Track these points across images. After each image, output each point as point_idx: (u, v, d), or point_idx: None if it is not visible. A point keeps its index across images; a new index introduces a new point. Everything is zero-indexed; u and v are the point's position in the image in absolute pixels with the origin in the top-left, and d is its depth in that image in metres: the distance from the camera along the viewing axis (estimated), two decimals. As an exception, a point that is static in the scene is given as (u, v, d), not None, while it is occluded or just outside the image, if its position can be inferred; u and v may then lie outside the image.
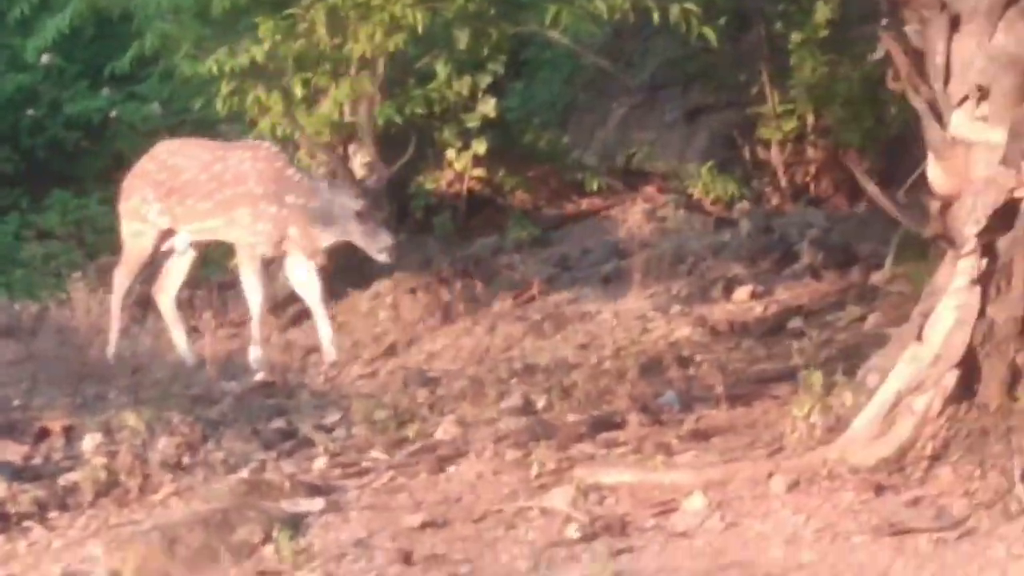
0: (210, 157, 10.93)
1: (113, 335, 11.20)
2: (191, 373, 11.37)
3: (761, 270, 11.82)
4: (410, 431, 9.38)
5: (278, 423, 9.93)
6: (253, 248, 10.78)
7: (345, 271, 11.58)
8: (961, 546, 7.40)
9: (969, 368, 7.80)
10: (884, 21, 8.34)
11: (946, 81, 7.98)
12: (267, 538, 8.03)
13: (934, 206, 8.06)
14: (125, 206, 11.21)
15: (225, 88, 11.80)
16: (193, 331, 12.13)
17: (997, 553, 7.23)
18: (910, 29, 8.23)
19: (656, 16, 11.35)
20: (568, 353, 10.78)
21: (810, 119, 12.42)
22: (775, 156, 12.93)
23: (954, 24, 7.93)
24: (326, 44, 11.34)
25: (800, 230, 12.24)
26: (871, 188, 8.65)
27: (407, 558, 7.74)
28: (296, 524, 8.19)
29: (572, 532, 7.87)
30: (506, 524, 8.16)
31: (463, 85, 11.86)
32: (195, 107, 13.14)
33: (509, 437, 9.11)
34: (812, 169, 12.88)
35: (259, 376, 10.76)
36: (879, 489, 7.86)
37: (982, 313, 7.78)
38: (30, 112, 14.52)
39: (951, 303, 7.83)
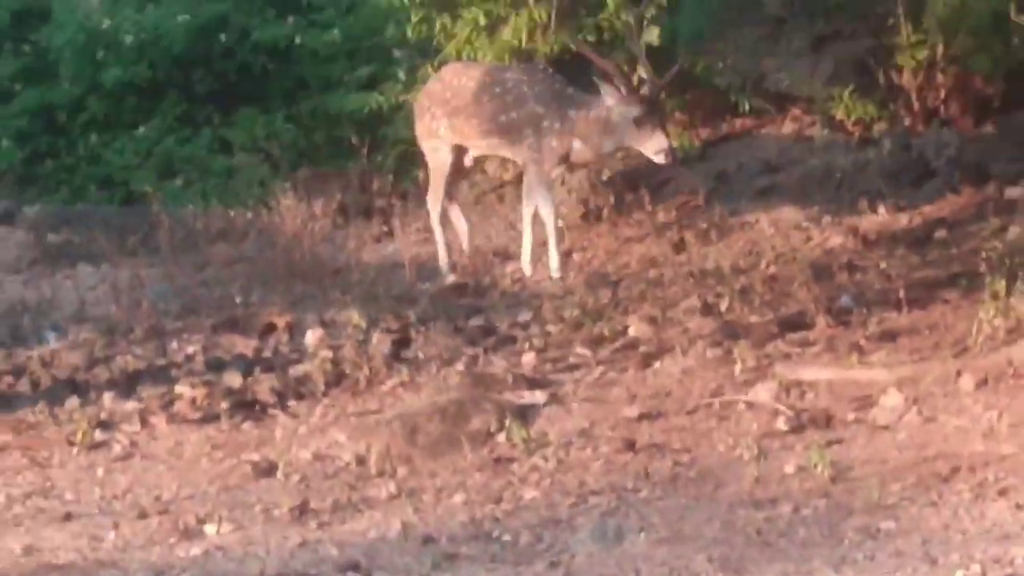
0: (489, 80, 10.97)
1: (441, 252, 11.21)
2: (389, 275, 11.42)
3: (902, 186, 11.79)
4: (604, 329, 9.47)
5: (477, 321, 10.06)
6: (541, 164, 10.81)
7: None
8: None
9: None
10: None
11: None
12: (500, 427, 8.32)
13: None
14: (419, 126, 11.25)
15: (415, 16, 12.02)
16: (387, 235, 12.32)
17: None
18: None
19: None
20: (736, 259, 10.82)
21: (940, 48, 12.47)
22: (908, 81, 12.86)
23: None
24: (507, -23, 11.70)
25: (936, 149, 12.07)
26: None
27: (631, 446, 7.92)
28: (524, 414, 8.43)
29: (781, 424, 8.04)
30: (717, 416, 8.37)
31: (630, 15, 11.94)
32: (384, 33, 13.21)
33: (704, 336, 9.19)
34: (942, 93, 12.77)
35: (451, 278, 10.91)
36: None
37: None
38: (222, 38, 14.52)
39: None
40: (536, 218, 11.07)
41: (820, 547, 6.98)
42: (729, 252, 11.15)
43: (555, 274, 10.89)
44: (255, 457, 8.54)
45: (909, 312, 9.63)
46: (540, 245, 11.03)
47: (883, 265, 10.39)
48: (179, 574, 7.19)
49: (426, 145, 11.21)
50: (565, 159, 10.96)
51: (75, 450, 8.87)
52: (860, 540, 7.02)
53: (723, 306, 9.89)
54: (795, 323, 9.63)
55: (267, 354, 10.14)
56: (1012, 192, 10.92)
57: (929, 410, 8.06)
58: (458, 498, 7.81)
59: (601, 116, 10.76)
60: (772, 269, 10.68)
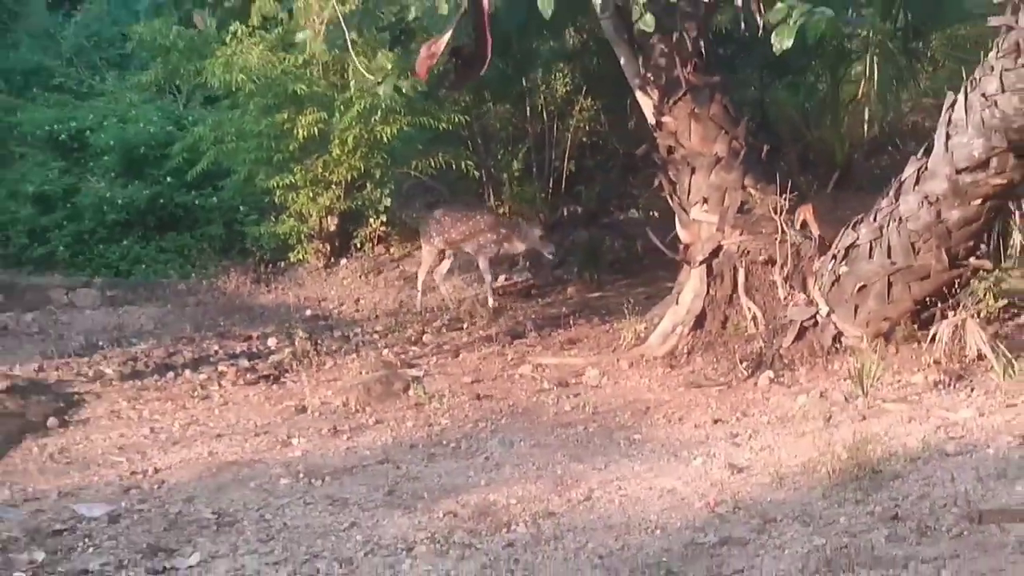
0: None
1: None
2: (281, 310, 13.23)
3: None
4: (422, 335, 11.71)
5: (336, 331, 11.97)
6: (486, 256, 12.46)
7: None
8: (729, 392, 9.57)
9: (701, 316, 10.38)
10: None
11: (688, 194, 10.45)
12: (406, 388, 10.24)
13: (682, 247, 10.53)
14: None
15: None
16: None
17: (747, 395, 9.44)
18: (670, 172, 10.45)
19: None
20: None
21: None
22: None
23: (692, 170, 10.43)
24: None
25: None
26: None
27: (478, 397, 10.02)
28: (416, 380, 10.35)
29: (546, 385, 10.15)
30: (510, 381, 10.38)
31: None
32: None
33: (484, 340, 11.43)
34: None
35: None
36: (671, 368, 10.27)
37: (708, 293, 10.35)
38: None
39: (690, 287, 10.45)
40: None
41: (608, 448, 8.68)
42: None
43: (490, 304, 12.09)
44: (292, 403, 10.07)
45: (577, 328, 11.72)
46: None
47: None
48: (296, 465, 8.57)
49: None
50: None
51: (195, 400, 10.35)
52: (628, 444, 8.75)
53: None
54: (519, 334, 11.73)
55: (254, 350, 11.75)
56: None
57: (614, 378, 10.16)
58: (408, 424, 9.47)
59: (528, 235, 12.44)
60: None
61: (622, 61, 10.64)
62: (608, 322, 11.66)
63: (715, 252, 10.35)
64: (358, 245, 13.55)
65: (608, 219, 13.43)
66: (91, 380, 10.68)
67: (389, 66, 8.50)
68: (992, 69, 8.67)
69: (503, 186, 13.26)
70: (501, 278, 12.84)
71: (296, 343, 11.45)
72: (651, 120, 10.59)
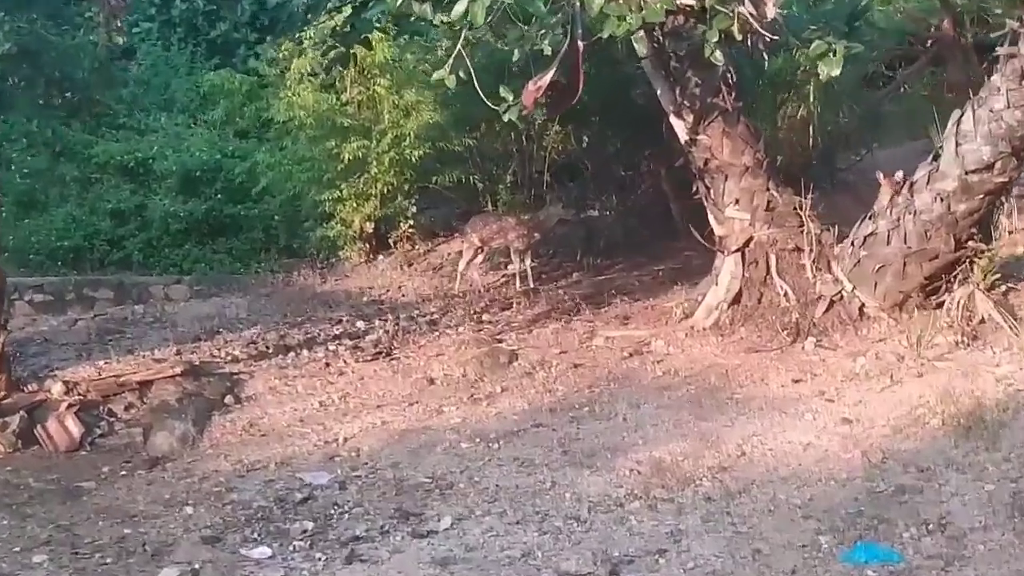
0: None
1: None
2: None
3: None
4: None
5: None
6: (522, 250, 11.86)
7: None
8: (784, 355, 8.91)
9: (739, 294, 9.97)
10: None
11: (722, 197, 10.19)
12: (510, 360, 9.55)
13: (718, 239, 10.13)
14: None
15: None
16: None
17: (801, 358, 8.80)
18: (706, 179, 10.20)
19: None
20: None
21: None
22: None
23: (726, 177, 10.18)
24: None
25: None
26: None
27: (576, 366, 9.31)
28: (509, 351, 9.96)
29: (625, 353, 9.29)
30: (591, 351, 9.54)
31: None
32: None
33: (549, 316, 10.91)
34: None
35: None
36: (721, 337, 9.50)
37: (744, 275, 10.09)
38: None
39: (727, 271, 10.17)
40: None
41: (721, 407, 8.04)
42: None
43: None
44: (418, 376, 9.35)
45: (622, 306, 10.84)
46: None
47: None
48: (464, 430, 8.07)
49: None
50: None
51: (335, 375, 9.46)
52: (733, 404, 8.17)
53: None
54: (570, 310, 10.77)
55: (350, 331, 10.78)
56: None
57: (678, 347, 9.46)
58: (531, 392, 8.69)
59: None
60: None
61: (658, 91, 10.41)
62: (639, 300, 11.08)
63: (747, 242, 10.22)
64: (392, 244, 13.66)
65: (584, 215, 13.18)
66: (233, 361, 10.00)
67: (511, 97, 8.19)
68: (998, 89, 8.87)
69: (498, 195, 13.52)
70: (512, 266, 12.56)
71: (388, 325, 10.98)
72: (683, 138, 10.40)
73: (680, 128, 10.32)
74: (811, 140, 12.63)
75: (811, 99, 12.24)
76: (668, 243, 12.19)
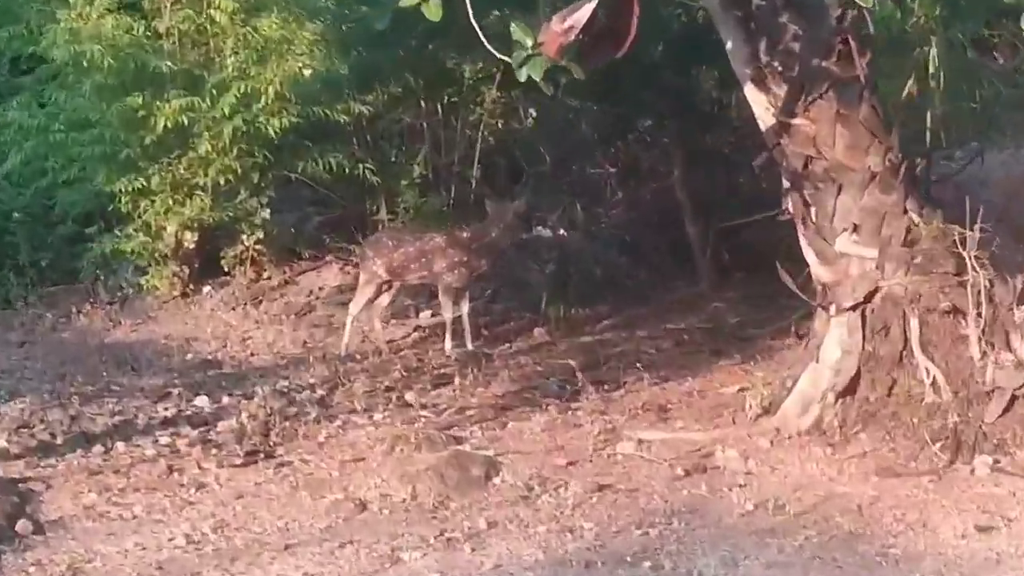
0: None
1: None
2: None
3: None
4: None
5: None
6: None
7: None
8: (943, 484, 6.27)
9: (855, 378, 6.93)
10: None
11: (831, 220, 7.04)
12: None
13: (819, 288, 7.15)
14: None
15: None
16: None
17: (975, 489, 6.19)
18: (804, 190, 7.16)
19: None
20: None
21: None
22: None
23: (839, 189, 7.05)
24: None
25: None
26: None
27: (600, 488, 6.21)
28: None
29: (679, 471, 6.37)
30: (620, 463, 6.60)
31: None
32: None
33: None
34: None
35: None
36: (831, 448, 6.69)
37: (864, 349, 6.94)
38: None
39: (834, 341, 6.97)
40: None
41: (855, 570, 5.48)
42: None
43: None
44: (336, 496, 6.21)
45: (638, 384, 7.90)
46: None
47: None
48: None
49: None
50: None
51: (189, 490, 6.34)
52: (890, 564, 5.54)
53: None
54: (556, 393, 7.72)
55: (186, 412, 7.50)
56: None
57: (762, 461, 6.58)
58: (541, 529, 5.84)
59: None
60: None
61: (728, 45, 7.10)
62: (669, 379, 7.93)
63: (871, 295, 6.96)
64: (227, 269, 9.59)
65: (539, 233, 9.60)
66: (2, 457, 6.57)
67: (530, 41, 5.06)
68: None
69: (400, 195, 9.76)
70: (427, 313, 9.07)
71: (252, 406, 7.38)
72: (767, 122, 7.10)
73: (761, 105, 7.10)
74: (926, 131, 9.20)
75: (929, 68, 8.82)
76: (679, 285, 9.66)
